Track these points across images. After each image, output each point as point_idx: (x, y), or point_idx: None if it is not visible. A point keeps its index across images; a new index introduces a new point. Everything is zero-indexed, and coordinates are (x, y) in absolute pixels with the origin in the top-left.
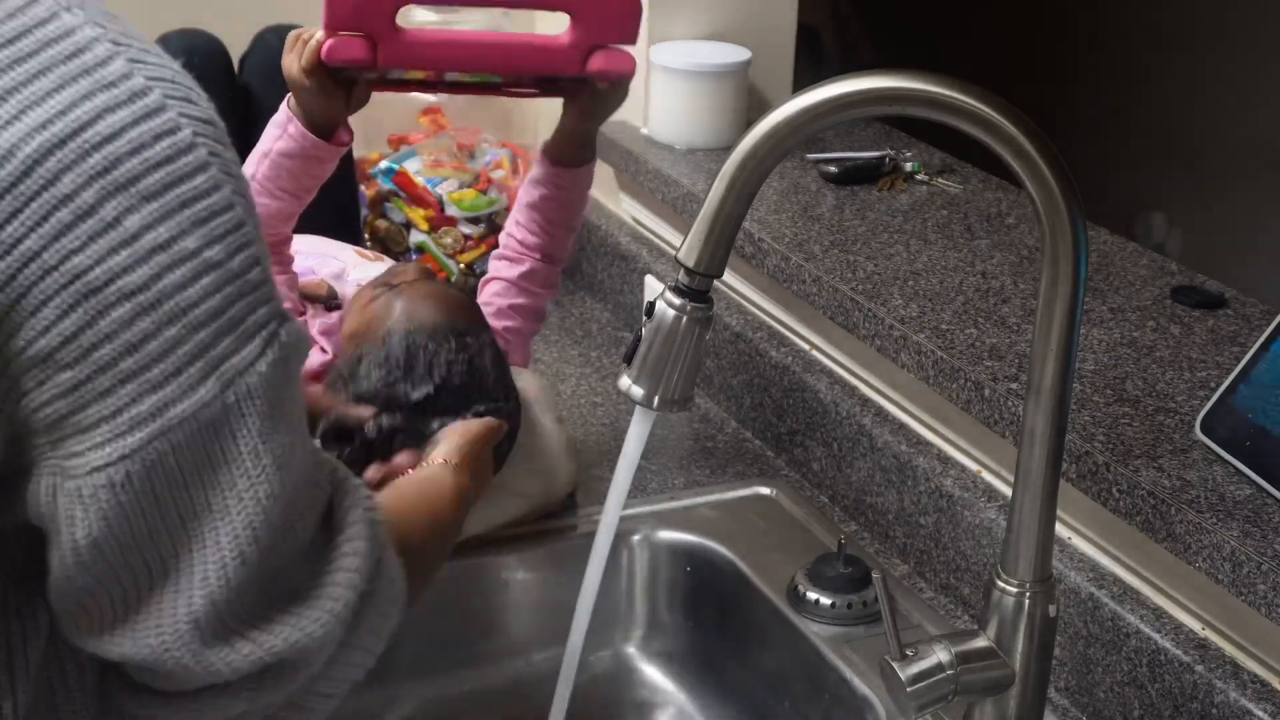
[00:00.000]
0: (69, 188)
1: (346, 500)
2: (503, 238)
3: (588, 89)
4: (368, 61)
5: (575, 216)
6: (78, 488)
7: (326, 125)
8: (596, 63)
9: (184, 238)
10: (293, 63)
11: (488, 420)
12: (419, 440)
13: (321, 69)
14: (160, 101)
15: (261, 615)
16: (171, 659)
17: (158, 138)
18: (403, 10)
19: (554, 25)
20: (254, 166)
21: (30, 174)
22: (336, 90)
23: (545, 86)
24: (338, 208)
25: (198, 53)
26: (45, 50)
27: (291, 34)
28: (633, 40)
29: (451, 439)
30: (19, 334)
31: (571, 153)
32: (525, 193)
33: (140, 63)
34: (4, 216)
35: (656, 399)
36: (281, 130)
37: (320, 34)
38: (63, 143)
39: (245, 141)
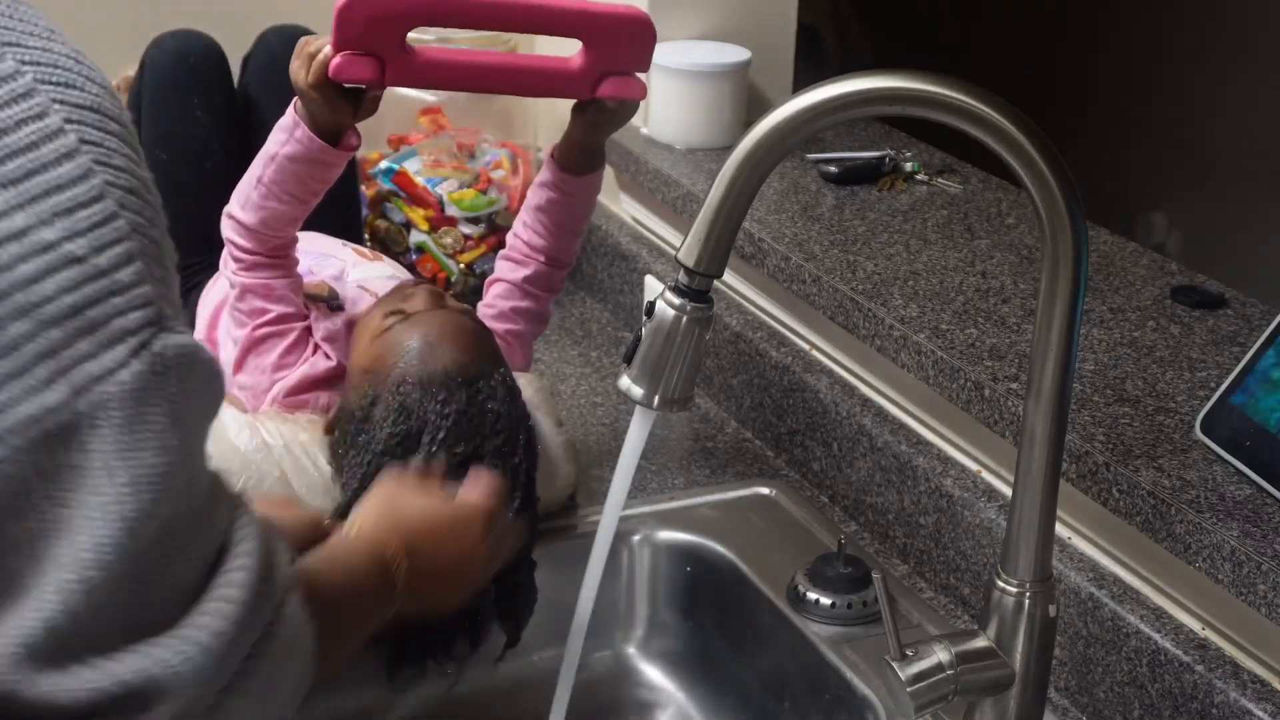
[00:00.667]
0: None
1: (238, 535)
2: (509, 238)
3: (596, 103)
4: (375, 81)
5: (582, 222)
6: None
7: (334, 131)
8: (607, 89)
9: (42, 228)
10: (300, 73)
11: (430, 507)
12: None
13: (329, 83)
14: (30, 85)
15: (112, 643)
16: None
17: (21, 123)
18: None
19: (555, 46)
20: (260, 169)
21: None
22: (343, 102)
23: None
24: (339, 208)
25: (194, 53)
26: None
27: (300, 42)
28: (645, 68)
29: (372, 509)
30: None
31: (579, 161)
32: (533, 195)
33: (16, 46)
34: None
35: (656, 399)
36: (288, 135)
37: (328, 48)
38: None
39: (247, 143)
